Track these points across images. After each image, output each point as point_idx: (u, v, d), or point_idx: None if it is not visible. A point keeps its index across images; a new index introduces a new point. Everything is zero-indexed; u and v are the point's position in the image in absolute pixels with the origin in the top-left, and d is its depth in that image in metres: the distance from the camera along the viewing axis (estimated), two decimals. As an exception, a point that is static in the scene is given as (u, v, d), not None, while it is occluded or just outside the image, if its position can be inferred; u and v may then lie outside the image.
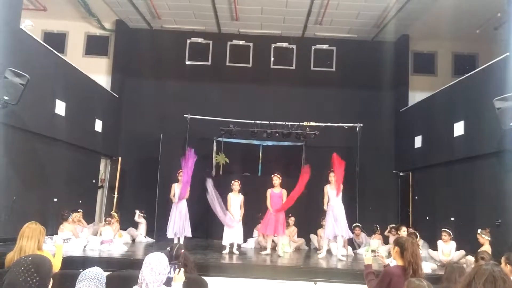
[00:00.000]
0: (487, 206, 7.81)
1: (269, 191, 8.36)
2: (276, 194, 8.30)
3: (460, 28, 10.57)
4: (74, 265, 5.75)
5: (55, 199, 8.91)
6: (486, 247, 6.75)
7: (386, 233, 9.70)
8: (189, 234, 8.26)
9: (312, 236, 9.76)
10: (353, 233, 9.02)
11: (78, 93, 9.71)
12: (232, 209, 8.29)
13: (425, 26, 11.11)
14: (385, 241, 9.51)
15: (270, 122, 10.45)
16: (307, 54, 12.42)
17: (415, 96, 11.68)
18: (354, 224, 9.52)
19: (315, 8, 10.63)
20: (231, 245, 8.27)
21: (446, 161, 9.36)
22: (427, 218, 9.97)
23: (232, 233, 8.23)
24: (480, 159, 8.16)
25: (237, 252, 8.20)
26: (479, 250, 5.91)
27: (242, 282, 6.31)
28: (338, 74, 12.29)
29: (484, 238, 6.95)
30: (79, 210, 8.90)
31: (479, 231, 7.04)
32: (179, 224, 8.13)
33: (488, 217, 7.61)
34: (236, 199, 8.38)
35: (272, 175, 8.44)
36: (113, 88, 11.94)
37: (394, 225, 9.73)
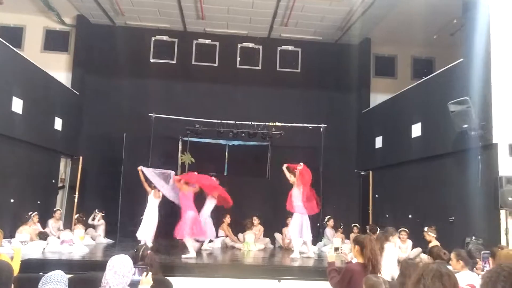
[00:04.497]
0: (442, 204, 8.19)
1: None
2: None
3: (418, 33, 10.99)
4: (33, 268, 5.58)
5: (12, 200, 8.57)
6: (433, 244, 7.06)
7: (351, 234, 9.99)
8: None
9: (277, 235, 9.88)
10: (326, 225, 9.73)
11: (36, 90, 9.37)
12: None
13: (386, 30, 11.47)
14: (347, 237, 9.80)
15: (236, 122, 10.50)
16: (273, 55, 12.53)
17: (377, 98, 12.03)
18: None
19: (280, 10, 10.74)
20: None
21: (404, 161, 9.73)
22: (387, 215, 10.33)
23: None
24: (436, 159, 8.54)
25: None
26: (430, 246, 6.20)
27: (207, 282, 6.32)
28: (303, 75, 12.48)
29: (430, 236, 7.26)
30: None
31: (425, 228, 7.36)
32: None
33: (442, 214, 7.98)
34: None
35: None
36: (73, 85, 11.57)
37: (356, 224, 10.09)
